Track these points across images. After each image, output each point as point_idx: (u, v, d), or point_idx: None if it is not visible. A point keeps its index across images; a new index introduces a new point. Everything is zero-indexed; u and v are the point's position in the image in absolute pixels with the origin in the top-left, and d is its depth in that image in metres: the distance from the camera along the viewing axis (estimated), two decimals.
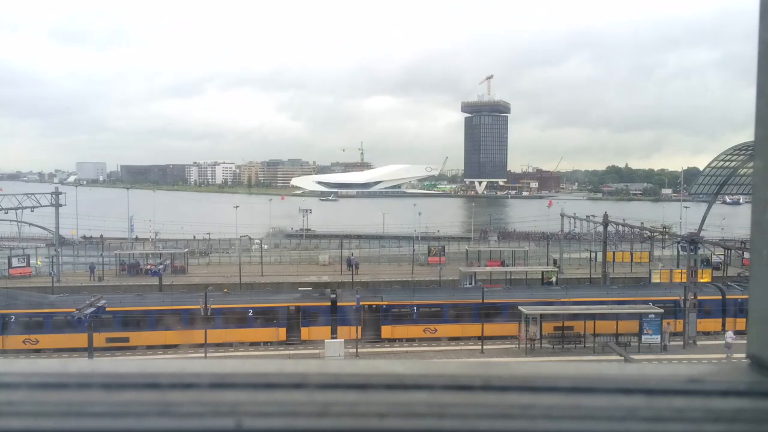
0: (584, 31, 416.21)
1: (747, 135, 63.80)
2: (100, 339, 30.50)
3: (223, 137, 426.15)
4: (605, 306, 34.75)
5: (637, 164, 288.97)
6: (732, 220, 75.33)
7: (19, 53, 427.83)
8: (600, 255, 48.14)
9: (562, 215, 67.53)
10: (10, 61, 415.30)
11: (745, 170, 60.56)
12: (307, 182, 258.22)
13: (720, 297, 36.58)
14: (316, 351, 31.64)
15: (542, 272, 45.73)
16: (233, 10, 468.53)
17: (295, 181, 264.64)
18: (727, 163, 61.99)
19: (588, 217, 59.76)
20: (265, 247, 65.07)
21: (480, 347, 32.82)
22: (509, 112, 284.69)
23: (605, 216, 47.02)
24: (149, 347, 33.81)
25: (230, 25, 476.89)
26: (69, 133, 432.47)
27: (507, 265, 52.05)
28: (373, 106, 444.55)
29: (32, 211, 60.73)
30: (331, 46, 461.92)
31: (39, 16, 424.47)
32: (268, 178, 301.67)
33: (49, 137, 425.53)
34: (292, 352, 33.10)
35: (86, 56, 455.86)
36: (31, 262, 52.04)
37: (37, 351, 33.06)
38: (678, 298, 35.52)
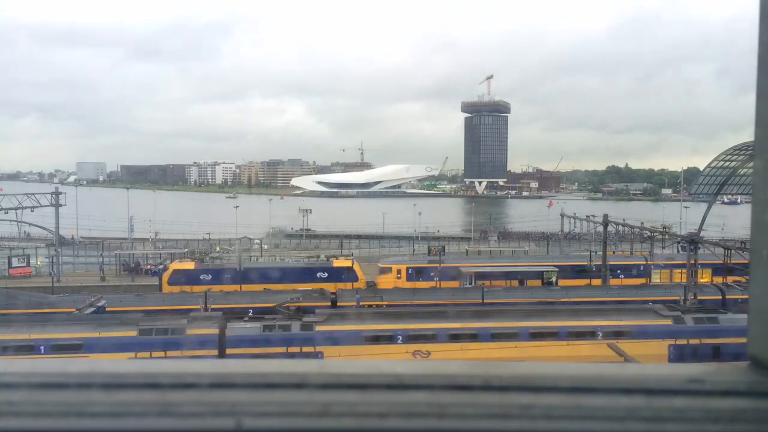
0: (588, 44, 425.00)
1: (747, 135, 63.86)
2: None
3: (243, 138, 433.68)
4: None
5: (637, 164, 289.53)
6: (731, 220, 75.36)
7: (94, 64, 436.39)
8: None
9: (562, 215, 67.68)
10: (80, 71, 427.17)
11: (745, 170, 60.63)
12: (307, 182, 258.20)
13: (720, 297, 36.60)
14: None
15: (542, 272, 45.71)
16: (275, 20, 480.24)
17: (295, 181, 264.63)
18: (727, 163, 62.07)
19: (588, 217, 59.84)
20: (265, 247, 65.16)
21: None
22: (509, 112, 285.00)
23: (605, 216, 47.00)
24: None
25: (270, 34, 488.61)
26: (94, 134, 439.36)
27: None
28: (386, 111, 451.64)
29: (32, 211, 60.82)
30: (349, 52, 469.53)
31: (123, 33, 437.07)
32: (268, 178, 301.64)
33: (76, 138, 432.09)
34: None
35: (158, 68, 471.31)
36: (31, 262, 52.10)
37: None
38: (678, 298, 35.54)
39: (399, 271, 44.47)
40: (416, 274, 44.02)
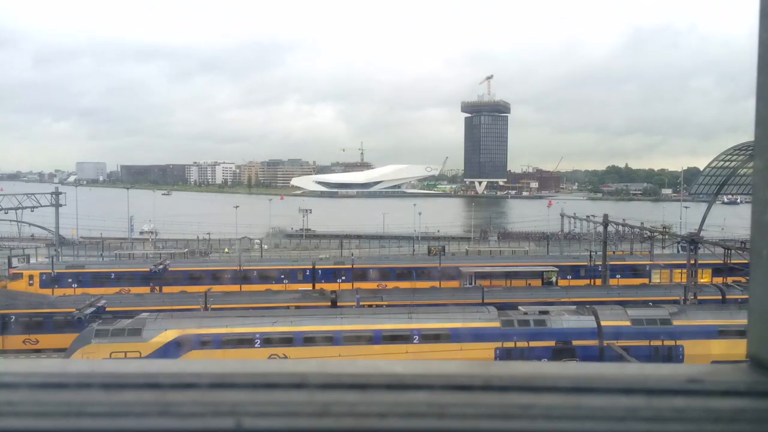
0: (599, 59, 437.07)
1: (748, 136, 63.89)
2: None
3: (266, 138, 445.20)
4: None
5: (637, 164, 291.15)
6: (731, 220, 75.35)
7: (158, 74, 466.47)
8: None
9: (562, 215, 67.64)
10: (140, 81, 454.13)
11: (745, 170, 60.61)
12: (307, 182, 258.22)
13: (720, 297, 36.61)
14: None
15: (542, 272, 45.71)
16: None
17: (295, 181, 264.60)
18: (727, 163, 62.06)
19: (588, 217, 59.82)
20: (265, 247, 65.20)
21: None
22: (509, 112, 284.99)
23: (605, 216, 47.00)
24: None
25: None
26: (120, 136, 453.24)
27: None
28: (410, 116, 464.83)
29: (32, 211, 60.85)
30: (385, 62, 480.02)
31: (197, 49, 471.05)
32: (268, 178, 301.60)
33: (99, 139, 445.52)
34: None
35: (215, 78, 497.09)
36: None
37: (37, 351, 33.06)
38: (678, 298, 35.55)
39: (31, 278, 42.07)
40: (52, 281, 41.43)
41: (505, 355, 26.84)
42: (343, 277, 43.91)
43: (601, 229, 47.46)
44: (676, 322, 27.95)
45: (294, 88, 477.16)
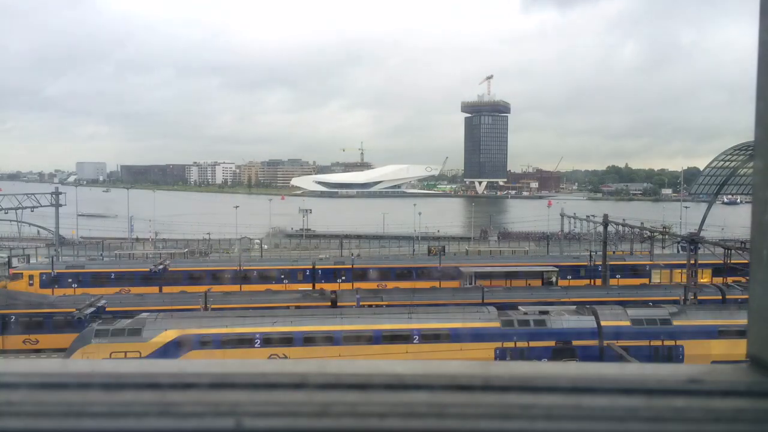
0: (611, 75, 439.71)
1: (747, 137, 63.89)
2: None
3: (286, 140, 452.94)
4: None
5: (637, 164, 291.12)
6: (731, 220, 75.35)
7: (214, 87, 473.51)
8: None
9: (562, 215, 67.70)
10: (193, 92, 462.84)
11: (745, 170, 60.67)
12: (307, 182, 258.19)
13: (720, 297, 36.62)
14: None
15: (542, 273, 45.68)
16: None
17: (295, 181, 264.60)
18: (727, 163, 62.11)
19: (588, 217, 59.88)
20: (265, 247, 65.18)
21: None
22: (509, 112, 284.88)
23: (605, 216, 46.99)
24: None
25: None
26: (151, 137, 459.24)
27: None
28: (436, 119, 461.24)
29: (32, 211, 60.87)
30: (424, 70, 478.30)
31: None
32: (268, 178, 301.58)
33: (135, 140, 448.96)
34: None
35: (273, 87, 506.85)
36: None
37: (37, 351, 33.06)
38: (678, 298, 35.56)
39: (31, 278, 42.03)
40: (52, 280, 41.37)
41: (505, 355, 26.85)
42: (343, 277, 43.94)
43: (601, 229, 47.46)
44: (676, 322, 27.95)
45: (339, 95, 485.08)
